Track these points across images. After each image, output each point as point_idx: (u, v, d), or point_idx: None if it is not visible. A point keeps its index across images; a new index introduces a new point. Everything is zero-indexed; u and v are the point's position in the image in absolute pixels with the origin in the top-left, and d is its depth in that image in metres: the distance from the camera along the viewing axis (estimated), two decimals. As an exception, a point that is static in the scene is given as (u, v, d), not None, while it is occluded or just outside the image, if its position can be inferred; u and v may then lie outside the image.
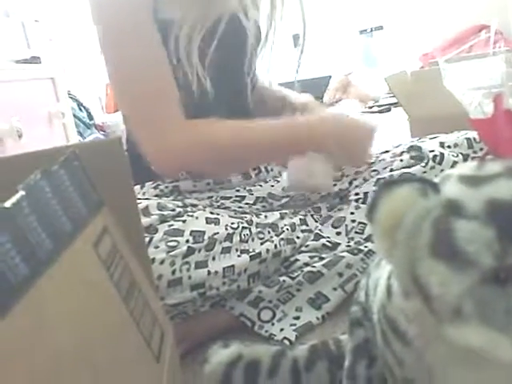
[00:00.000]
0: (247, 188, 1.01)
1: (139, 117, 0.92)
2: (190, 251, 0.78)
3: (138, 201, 0.87)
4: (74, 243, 0.34)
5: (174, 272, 0.77)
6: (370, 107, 3.54)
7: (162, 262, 0.76)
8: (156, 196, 0.94)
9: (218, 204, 0.96)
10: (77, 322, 0.31)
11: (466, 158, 0.94)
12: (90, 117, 3.30)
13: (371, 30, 4.46)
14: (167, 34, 0.91)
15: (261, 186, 1.03)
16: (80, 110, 3.21)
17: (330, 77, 4.08)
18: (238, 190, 1.00)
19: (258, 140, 0.94)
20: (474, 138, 0.97)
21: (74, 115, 2.91)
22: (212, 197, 0.97)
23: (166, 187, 0.96)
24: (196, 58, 0.91)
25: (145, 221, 0.80)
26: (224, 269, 0.79)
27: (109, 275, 0.37)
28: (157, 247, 0.78)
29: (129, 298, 0.40)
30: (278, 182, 1.05)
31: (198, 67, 0.91)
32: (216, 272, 0.79)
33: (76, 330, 0.31)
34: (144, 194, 0.95)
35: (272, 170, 1.08)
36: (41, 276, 0.28)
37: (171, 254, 0.77)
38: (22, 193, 0.29)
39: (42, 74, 2.41)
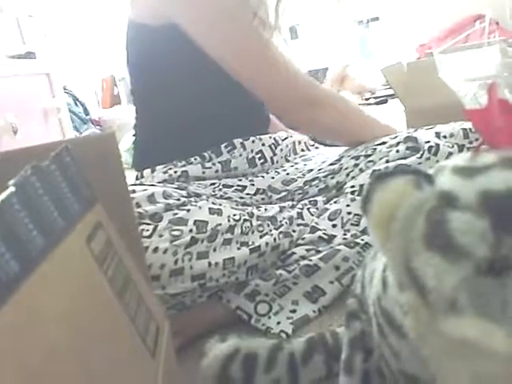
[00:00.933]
0: (249, 178, 1.02)
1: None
2: (193, 241, 0.79)
3: (145, 187, 0.90)
4: (66, 239, 0.34)
5: (176, 262, 0.77)
6: (367, 99, 3.53)
7: (165, 252, 0.77)
8: (164, 181, 0.97)
9: (221, 193, 0.96)
10: (70, 318, 0.31)
11: (461, 148, 0.94)
12: (86, 112, 3.29)
13: (367, 21, 4.45)
14: None
15: (263, 177, 1.03)
16: (76, 105, 3.20)
17: (327, 69, 4.07)
18: (240, 180, 1.01)
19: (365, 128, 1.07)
20: (470, 129, 0.96)
21: (70, 110, 2.90)
22: (215, 183, 0.97)
23: (175, 172, 0.98)
24: None
25: (150, 208, 0.83)
26: (224, 260, 0.80)
27: (102, 271, 0.37)
28: (161, 236, 0.79)
29: (123, 293, 0.40)
30: (279, 173, 1.05)
31: None
32: (216, 263, 0.79)
33: (69, 326, 0.30)
34: (153, 177, 0.98)
35: (277, 161, 1.09)
36: (32, 273, 0.28)
37: (174, 243, 0.78)
38: (11, 189, 0.29)
39: (37, 70, 2.40)
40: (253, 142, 1.05)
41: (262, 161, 1.05)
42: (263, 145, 1.07)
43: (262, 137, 1.07)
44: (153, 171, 0.99)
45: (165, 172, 0.98)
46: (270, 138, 1.10)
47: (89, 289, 0.35)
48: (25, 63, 2.31)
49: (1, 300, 0.24)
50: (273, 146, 1.09)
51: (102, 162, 0.45)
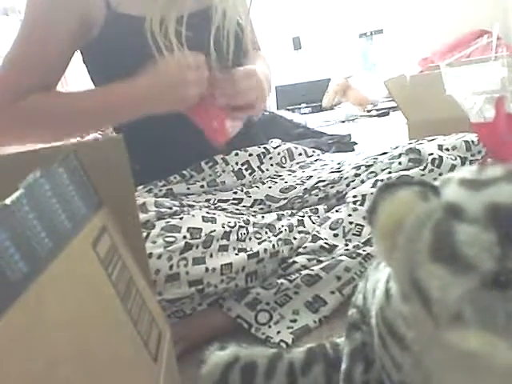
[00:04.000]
0: (244, 190, 1.01)
1: None
2: (188, 247, 0.79)
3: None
4: (72, 242, 0.34)
5: (171, 267, 0.77)
6: (369, 111, 3.55)
7: (159, 257, 0.77)
8: None
9: (216, 206, 0.96)
10: (75, 320, 0.31)
11: (464, 160, 0.94)
12: (89, 116, 3.28)
13: (371, 34, 4.48)
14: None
15: (258, 187, 1.03)
16: (79, 109, 3.20)
17: (330, 80, 4.09)
18: (235, 193, 1.00)
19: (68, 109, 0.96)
20: (473, 141, 0.97)
21: (73, 115, 2.89)
22: (210, 200, 0.97)
23: (160, 190, 0.97)
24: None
25: (142, 216, 0.81)
26: (222, 266, 0.79)
27: (107, 274, 0.37)
28: (154, 242, 0.78)
29: (126, 297, 0.40)
30: (276, 183, 1.05)
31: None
32: (214, 269, 0.79)
33: (74, 328, 0.30)
34: (138, 197, 0.95)
35: (268, 169, 1.08)
36: (40, 274, 0.28)
37: (168, 249, 0.78)
38: (21, 190, 0.29)
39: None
40: (236, 154, 1.05)
41: (249, 171, 1.05)
42: (250, 155, 1.06)
43: (248, 148, 1.07)
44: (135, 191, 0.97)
45: (148, 191, 0.97)
46: (259, 147, 1.09)
47: (94, 292, 0.35)
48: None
49: (10, 300, 0.25)
50: (261, 155, 1.08)
51: (109, 166, 0.45)
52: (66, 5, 0.93)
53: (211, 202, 0.97)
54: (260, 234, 0.87)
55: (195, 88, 0.89)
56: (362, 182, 0.98)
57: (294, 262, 0.86)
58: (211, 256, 0.80)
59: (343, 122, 3.36)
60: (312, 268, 0.85)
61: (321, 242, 0.89)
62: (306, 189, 1.02)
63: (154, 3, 0.93)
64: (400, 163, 0.96)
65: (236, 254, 0.82)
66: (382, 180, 0.94)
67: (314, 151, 1.23)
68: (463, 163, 0.93)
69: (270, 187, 1.03)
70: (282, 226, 0.91)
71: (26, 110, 0.94)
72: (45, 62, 0.95)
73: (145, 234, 0.79)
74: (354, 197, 0.94)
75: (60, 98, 0.99)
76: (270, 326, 0.80)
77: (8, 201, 0.28)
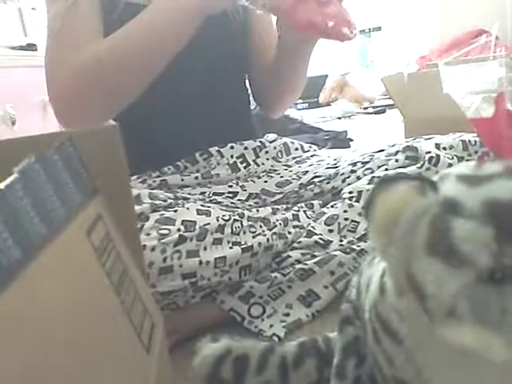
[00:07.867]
0: (240, 184, 1.01)
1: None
2: (182, 239, 0.78)
3: None
4: (67, 229, 0.33)
5: (165, 259, 0.76)
6: (366, 108, 3.55)
7: (153, 249, 0.76)
8: None
9: (211, 199, 0.96)
10: (68, 308, 0.30)
11: (460, 160, 0.94)
12: (84, 107, 3.28)
13: (369, 31, 4.48)
14: None
15: (253, 181, 1.03)
16: (74, 99, 3.19)
17: (327, 76, 4.08)
18: (230, 186, 1.00)
19: (137, 33, 0.85)
20: (469, 141, 0.97)
21: (69, 105, 2.88)
22: (205, 193, 0.97)
23: (154, 181, 0.97)
24: None
25: (136, 208, 0.80)
26: (216, 259, 0.79)
27: (101, 263, 0.37)
28: (148, 234, 0.78)
29: (120, 287, 0.39)
30: (272, 177, 1.05)
31: None
32: (207, 262, 0.78)
33: (67, 316, 0.30)
34: (132, 188, 0.94)
35: (263, 163, 1.08)
36: (34, 260, 0.28)
37: (162, 241, 0.77)
38: (16, 175, 0.29)
39: (37, 62, 2.38)
40: (231, 147, 1.05)
41: (244, 164, 1.05)
42: (245, 148, 1.06)
43: (244, 141, 1.07)
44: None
45: (142, 182, 0.97)
46: (255, 141, 1.09)
47: (87, 280, 0.34)
48: (26, 55, 2.30)
49: (2, 285, 0.24)
50: (257, 149, 1.08)
51: (104, 155, 0.44)
52: None
53: (206, 194, 0.97)
54: (254, 227, 0.87)
55: None
56: (358, 178, 0.98)
57: (288, 257, 0.86)
58: (205, 249, 0.80)
59: (339, 118, 3.36)
60: (306, 262, 0.85)
61: (315, 238, 0.89)
62: (301, 184, 1.02)
63: None
64: (397, 160, 0.96)
65: (230, 248, 0.82)
66: (378, 177, 0.94)
67: (310, 146, 1.23)
68: (460, 162, 0.94)
69: (265, 181, 1.03)
70: (277, 220, 0.91)
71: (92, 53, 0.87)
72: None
73: (139, 226, 0.78)
74: (350, 193, 0.94)
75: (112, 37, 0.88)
76: (262, 320, 0.80)
77: (2, 185, 0.27)
